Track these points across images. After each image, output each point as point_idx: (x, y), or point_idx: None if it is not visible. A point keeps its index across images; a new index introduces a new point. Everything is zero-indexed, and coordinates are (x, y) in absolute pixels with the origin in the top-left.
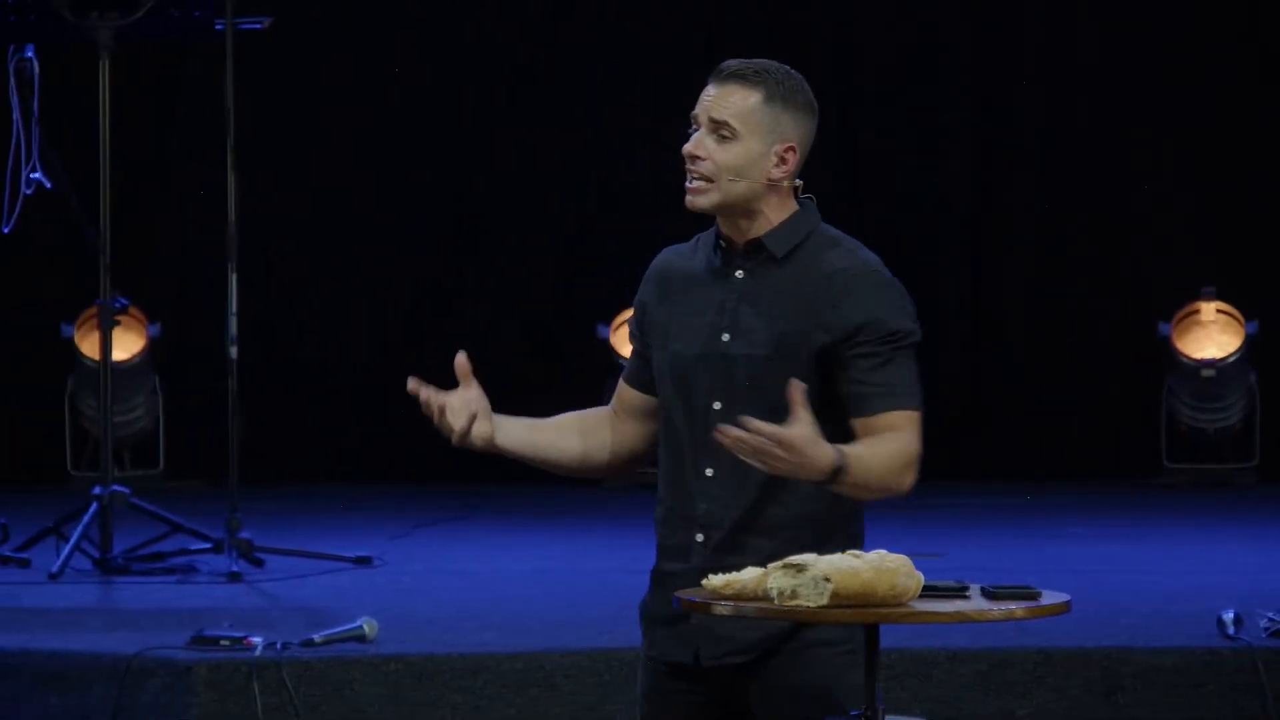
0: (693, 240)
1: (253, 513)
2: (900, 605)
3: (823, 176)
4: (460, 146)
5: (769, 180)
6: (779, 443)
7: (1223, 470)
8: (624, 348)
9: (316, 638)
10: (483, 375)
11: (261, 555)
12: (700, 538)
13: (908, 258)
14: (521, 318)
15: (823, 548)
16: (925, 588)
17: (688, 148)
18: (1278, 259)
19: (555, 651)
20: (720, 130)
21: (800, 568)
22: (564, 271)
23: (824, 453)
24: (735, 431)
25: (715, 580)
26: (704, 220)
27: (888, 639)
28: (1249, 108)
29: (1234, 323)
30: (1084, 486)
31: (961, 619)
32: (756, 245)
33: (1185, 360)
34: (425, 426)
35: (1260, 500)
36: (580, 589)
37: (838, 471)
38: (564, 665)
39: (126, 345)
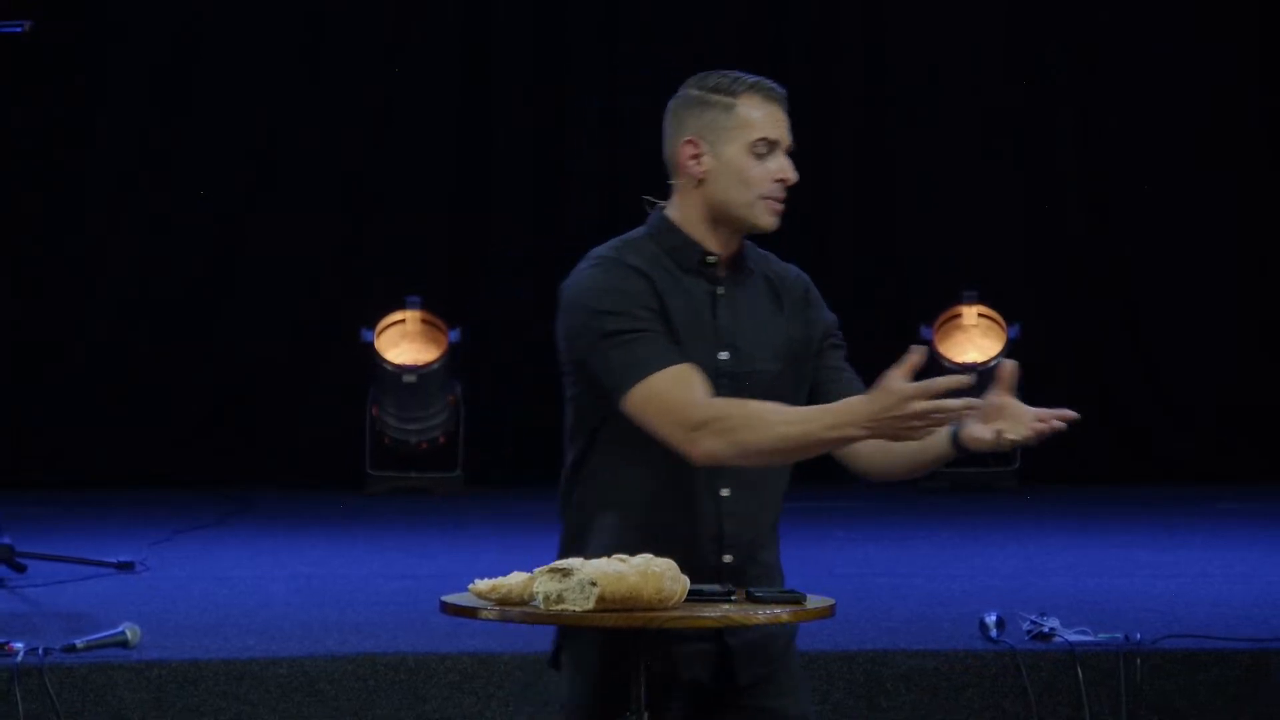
0: (618, 246)
1: (13, 518)
2: (666, 609)
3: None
4: (232, 157)
5: None
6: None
7: (985, 474)
8: (390, 351)
9: (79, 643)
10: (248, 378)
11: (23, 560)
12: (729, 559)
13: None
14: (287, 320)
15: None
16: (691, 592)
17: (790, 175)
18: (1039, 262)
19: (319, 657)
20: (789, 152)
21: (566, 572)
22: (328, 275)
23: None
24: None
25: (482, 585)
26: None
27: None
28: (1012, 117)
29: (995, 326)
30: (844, 490)
31: (727, 623)
32: (736, 259)
33: (948, 364)
34: (189, 430)
35: (1021, 503)
36: (343, 594)
37: None
38: (328, 670)
39: None
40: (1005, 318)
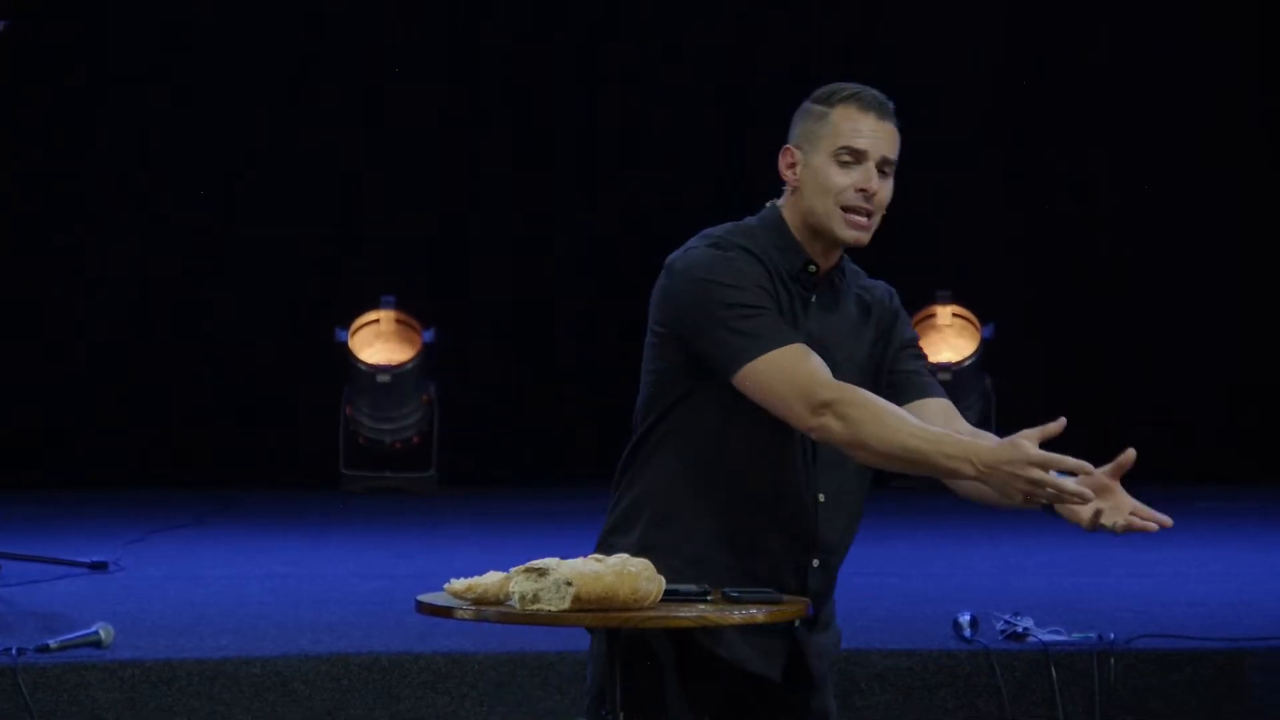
0: (732, 229)
1: (14, 517)
2: (642, 609)
3: None
4: (207, 154)
5: None
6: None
7: None
8: (364, 351)
9: (52, 643)
10: (230, 377)
11: None
12: (816, 562)
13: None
14: (274, 320)
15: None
16: (667, 592)
17: (872, 185)
18: (1038, 262)
19: (292, 656)
20: (884, 168)
21: (542, 571)
22: (316, 275)
23: None
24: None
25: (457, 584)
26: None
27: None
28: (1010, 117)
29: (970, 326)
30: None
31: (703, 623)
32: (835, 272)
33: None
34: (183, 430)
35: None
36: (317, 594)
37: None
38: (301, 670)
39: None
40: (1001, 316)
